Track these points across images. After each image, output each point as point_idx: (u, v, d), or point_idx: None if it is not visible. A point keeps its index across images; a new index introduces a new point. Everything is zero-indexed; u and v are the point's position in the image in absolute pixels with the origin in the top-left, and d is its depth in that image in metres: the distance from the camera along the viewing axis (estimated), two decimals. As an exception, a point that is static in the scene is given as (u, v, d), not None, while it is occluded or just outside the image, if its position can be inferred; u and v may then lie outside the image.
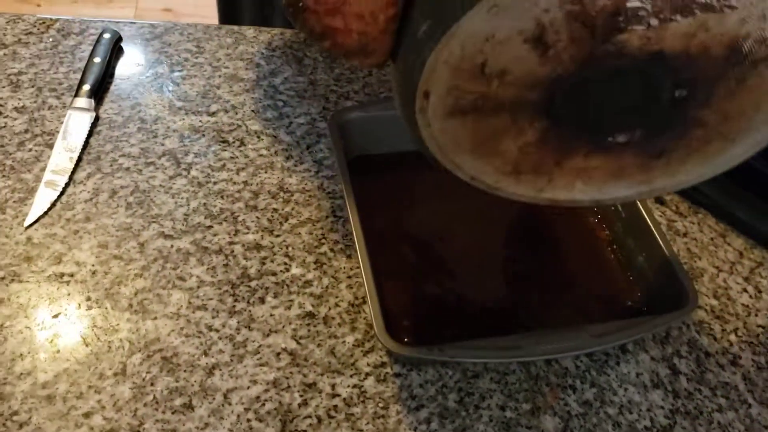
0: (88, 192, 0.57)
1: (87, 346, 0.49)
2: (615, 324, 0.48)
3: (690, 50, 0.34)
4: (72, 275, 0.52)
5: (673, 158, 0.41)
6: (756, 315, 0.56)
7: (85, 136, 0.60)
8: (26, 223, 0.54)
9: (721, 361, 0.53)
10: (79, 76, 0.65)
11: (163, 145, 0.61)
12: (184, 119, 0.63)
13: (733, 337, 0.54)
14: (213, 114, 0.64)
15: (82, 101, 0.62)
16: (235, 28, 0.72)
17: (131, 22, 0.72)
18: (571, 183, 0.42)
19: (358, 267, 0.52)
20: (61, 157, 0.59)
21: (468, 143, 0.39)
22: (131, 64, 0.68)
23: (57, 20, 0.71)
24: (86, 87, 0.63)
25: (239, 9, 0.82)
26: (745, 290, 0.57)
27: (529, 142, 0.38)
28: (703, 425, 0.49)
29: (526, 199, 0.43)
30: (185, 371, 0.48)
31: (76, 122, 0.61)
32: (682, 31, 0.33)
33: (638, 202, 0.54)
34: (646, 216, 0.53)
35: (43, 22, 0.71)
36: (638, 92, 0.36)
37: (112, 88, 0.65)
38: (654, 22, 0.32)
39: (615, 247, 0.56)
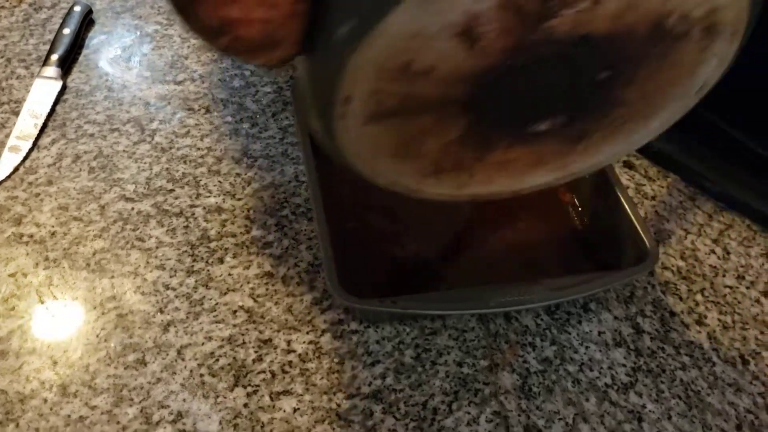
0: (52, 157, 0.57)
1: (42, 303, 0.49)
2: (573, 278, 0.47)
3: (617, 31, 0.32)
4: (31, 236, 0.52)
5: (593, 141, 0.40)
6: (724, 276, 0.55)
7: (51, 103, 0.60)
8: (-13, 187, 0.54)
9: (686, 321, 0.52)
10: (48, 47, 0.65)
11: (128, 112, 0.61)
12: (150, 88, 0.63)
13: (699, 297, 0.54)
14: (180, 83, 0.64)
15: (50, 70, 0.62)
16: (207, 1, 0.72)
17: (103, -3, 0.72)
18: (491, 177, 0.40)
19: (317, 226, 0.51)
20: (26, 124, 0.59)
21: (389, 147, 0.37)
22: (101, 36, 0.68)
23: (29, -5, 0.71)
24: (54, 57, 0.63)
25: None
26: (713, 251, 0.57)
27: (452, 140, 0.36)
28: (665, 382, 0.49)
29: (447, 197, 0.41)
30: (140, 328, 0.48)
31: (43, 90, 0.61)
32: (611, 11, 0.31)
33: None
34: (609, 175, 0.53)
35: (15, -3, 0.71)
36: (562, 78, 0.34)
37: (81, 58, 0.65)
38: (585, 4, 0.31)
39: (580, 208, 0.56)
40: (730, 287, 0.55)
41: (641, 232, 0.50)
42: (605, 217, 0.53)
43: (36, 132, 0.58)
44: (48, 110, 0.60)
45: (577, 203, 0.56)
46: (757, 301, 0.54)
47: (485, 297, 0.45)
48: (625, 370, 0.49)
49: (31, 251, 0.51)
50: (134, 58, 0.66)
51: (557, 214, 0.56)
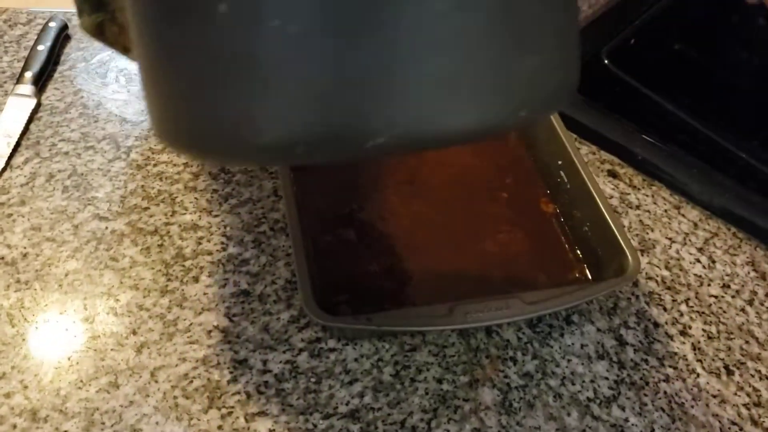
0: (25, 176, 0.56)
1: (13, 326, 0.48)
2: (551, 291, 0.47)
3: None
4: (2, 258, 0.51)
5: None
6: (709, 285, 0.55)
7: (25, 122, 0.60)
8: (-42, 208, 0.53)
9: (670, 332, 0.52)
10: (23, 64, 0.64)
11: (104, 129, 0.60)
12: (127, 104, 0.63)
13: (683, 307, 0.53)
14: (156, 98, 0.63)
15: (24, 88, 0.62)
16: (184, 14, 0.71)
17: (80, 12, 0.71)
18: None
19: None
20: (-1, 143, 0.58)
21: None
22: (77, 52, 0.67)
23: (5, 10, 0.70)
24: (28, 74, 0.62)
25: None
26: (698, 260, 0.56)
27: None
28: (648, 395, 0.48)
29: None
30: (112, 350, 0.47)
31: (16, 108, 0.60)
32: None
33: (582, 172, 0.53)
34: (590, 185, 0.52)
35: (-10, 14, 0.70)
36: None
37: (56, 75, 0.65)
38: None
39: (562, 219, 0.55)
40: (715, 296, 0.54)
41: (622, 244, 0.49)
42: (587, 229, 0.53)
43: (9, 151, 0.57)
44: (21, 128, 0.59)
45: (559, 214, 0.55)
46: (743, 310, 0.53)
47: (463, 312, 0.44)
48: (608, 383, 0.48)
49: (2, 273, 0.50)
50: (110, 73, 0.65)
51: (539, 226, 0.55)
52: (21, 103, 0.61)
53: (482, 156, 0.59)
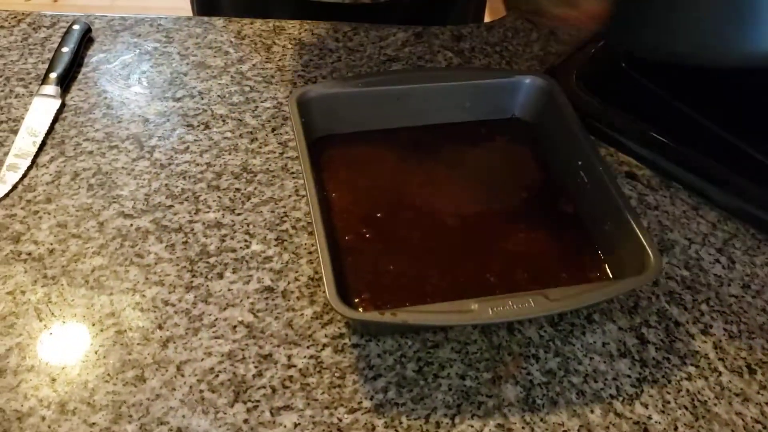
0: (51, 175, 0.57)
1: (41, 321, 0.48)
2: (574, 288, 0.47)
3: None
4: (29, 254, 0.52)
5: None
6: (729, 285, 0.55)
7: (50, 121, 0.60)
8: (-14, 205, 0.54)
9: (692, 331, 0.52)
10: (47, 66, 0.65)
11: (127, 129, 0.61)
12: (149, 105, 0.63)
13: (704, 307, 0.53)
14: (179, 99, 0.64)
15: (49, 89, 0.63)
16: (205, 18, 0.72)
17: (103, 15, 0.72)
18: None
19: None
20: (25, 142, 0.59)
21: None
22: (100, 54, 0.68)
23: (29, 14, 0.71)
24: (53, 75, 0.63)
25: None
26: (717, 261, 0.56)
27: None
28: (671, 393, 0.48)
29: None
30: (139, 344, 0.47)
31: (42, 109, 0.61)
32: None
33: (602, 172, 0.53)
34: (610, 185, 0.52)
35: (15, 17, 0.71)
36: None
37: (80, 76, 0.66)
38: None
39: (582, 219, 0.55)
40: (736, 296, 0.54)
41: (644, 242, 0.49)
42: (608, 228, 0.53)
43: (34, 150, 0.58)
44: (46, 128, 0.60)
45: (579, 214, 0.56)
46: (763, 310, 0.53)
47: (486, 308, 0.45)
48: (630, 381, 0.48)
49: (29, 269, 0.51)
50: (133, 75, 0.66)
51: (559, 226, 0.55)
52: (46, 103, 0.62)
53: (500, 157, 0.60)
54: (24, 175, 0.57)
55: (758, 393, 0.48)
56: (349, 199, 0.55)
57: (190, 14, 0.74)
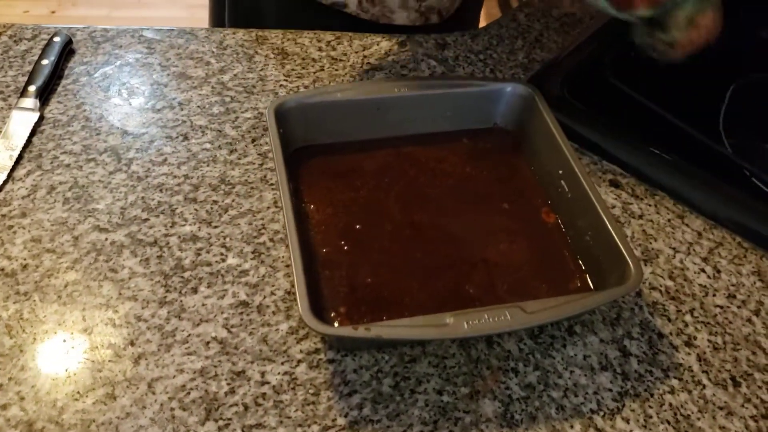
0: (26, 189, 0.57)
1: (11, 338, 0.48)
2: (552, 300, 0.46)
3: None
4: (2, 269, 0.51)
5: None
6: (714, 295, 0.54)
7: (27, 135, 0.60)
8: (-41, 220, 0.53)
9: (675, 342, 0.51)
10: (26, 79, 0.65)
11: (105, 141, 0.61)
12: (128, 117, 0.63)
13: (688, 318, 0.52)
14: (158, 111, 0.63)
15: (27, 101, 0.62)
16: (187, 29, 0.72)
17: (85, 27, 0.72)
18: None
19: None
20: (1, 156, 0.58)
21: None
22: (81, 66, 0.68)
23: (10, 27, 0.71)
24: (32, 88, 0.63)
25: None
26: (702, 270, 0.55)
27: None
28: (653, 407, 0.47)
29: None
30: (110, 361, 0.47)
31: (19, 122, 0.61)
32: None
33: (583, 181, 0.52)
34: (591, 194, 0.51)
35: (-5, 29, 0.71)
36: None
37: (59, 89, 0.65)
38: None
39: (563, 229, 0.55)
40: (721, 307, 0.53)
41: (624, 252, 0.48)
42: (588, 238, 0.52)
43: (11, 163, 0.58)
44: (24, 141, 0.59)
45: (560, 224, 0.55)
46: (749, 320, 0.52)
47: (462, 322, 0.44)
48: (612, 395, 0.47)
49: (1, 285, 0.50)
50: (113, 87, 0.65)
51: (540, 236, 0.55)
52: (24, 116, 0.61)
53: (482, 166, 0.59)
54: (0, 189, 0.56)
55: (742, 406, 0.47)
56: (328, 211, 0.55)
57: (186, 26, 0.72)
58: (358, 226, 0.54)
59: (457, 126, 0.61)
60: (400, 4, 0.72)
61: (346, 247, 0.53)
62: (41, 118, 0.62)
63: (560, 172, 0.55)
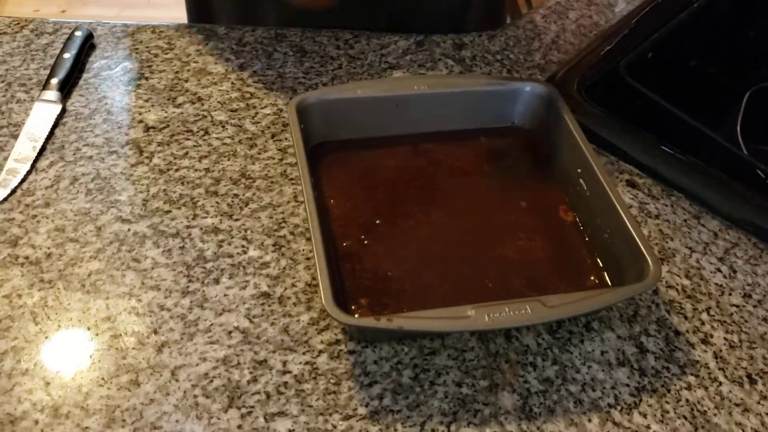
0: (50, 179, 0.57)
1: (36, 324, 0.48)
2: (572, 295, 0.46)
3: None
4: (27, 258, 0.52)
5: None
6: (730, 294, 0.54)
7: (50, 126, 0.61)
8: (-15, 209, 0.54)
9: (692, 340, 0.51)
10: (49, 71, 0.65)
11: (127, 135, 0.61)
12: (149, 111, 0.63)
13: (705, 316, 0.53)
14: (179, 105, 0.64)
15: (50, 94, 0.63)
16: (207, 26, 0.73)
17: (105, 22, 0.72)
18: None
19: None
20: (24, 146, 0.59)
21: None
22: (102, 60, 0.68)
23: (32, 21, 0.72)
24: (54, 81, 0.63)
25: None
26: (719, 270, 0.56)
27: None
28: (670, 403, 0.47)
29: None
30: (134, 349, 0.47)
31: (42, 114, 0.61)
32: None
33: (602, 179, 0.53)
34: (610, 193, 0.52)
35: (18, 23, 0.71)
36: None
37: (81, 82, 0.66)
38: None
39: (581, 227, 0.55)
40: (737, 306, 0.54)
41: (643, 250, 0.49)
42: (607, 236, 0.52)
43: (34, 155, 0.58)
44: (47, 133, 0.60)
45: (578, 222, 0.55)
46: (765, 320, 0.53)
47: (482, 315, 0.44)
48: (629, 390, 0.48)
49: (26, 272, 0.51)
50: (134, 81, 0.66)
51: (558, 234, 0.55)
52: (47, 108, 0.62)
53: (499, 165, 0.60)
54: (23, 180, 0.57)
55: (759, 403, 0.48)
56: (348, 205, 0.55)
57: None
58: (377, 221, 0.54)
59: (476, 124, 0.61)
60: None
61: (366, 241, 0.53)
62: (63, 110, 0.63)
63: (579, 170, 0.55)
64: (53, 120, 0.61)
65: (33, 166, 0.58)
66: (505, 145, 0.61)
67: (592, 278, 0.52)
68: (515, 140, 0.61)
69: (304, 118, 0.56)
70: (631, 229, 0.50)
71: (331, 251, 0.51)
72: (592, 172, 0.54)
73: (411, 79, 0.65)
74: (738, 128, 0.66)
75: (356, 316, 0.48)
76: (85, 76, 0.66)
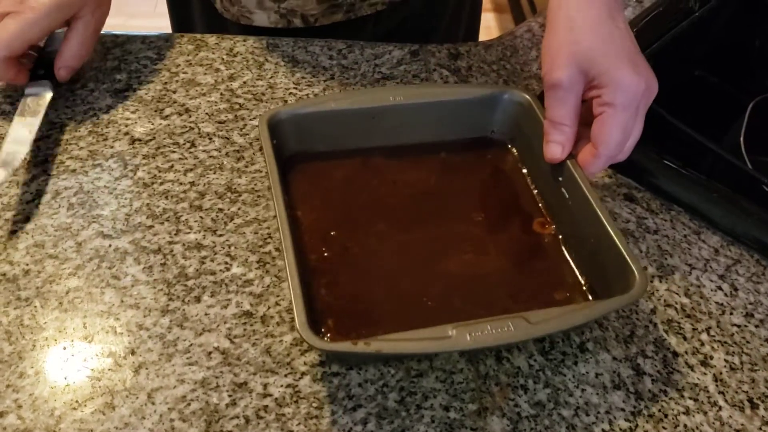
0: (31, 193, 0.56)
1: (10, 344, 0.47)
2: (556, 310, 0.44)
3: None
4: (3, 274, 0.50)
5: None
6: (731, 313, 0.52)
7: (44, 111, 0.59)
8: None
9: (691, 362, 0.49)
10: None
11: (112, 147, 0.60)
12: (136, 123, 0.62)
13: (704, 337, 0.51)
14: (166, 117, 0.63)
15: (38, 82, 0.61)
16: (198, 36, 0.71)
17: (95, 33, 0.71)
18: None
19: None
20: (21, 131, 0.57)
21: None
22: (89, 72, 0.67)
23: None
24: (41, 71, 0.62)
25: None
26: (719, 288, 0.54)
27: None
28: (667, 428, 0.46)
29: None
30: (110, 370, 0.46)
31: (33, 100, 0.60)
32: None
33: (583, 187, 0.51)
34: (592, 201, 0.50)
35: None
36: None
37: (68, 93, 0.64)
38: None
39: (563, 239, 0.53)
40: (738, 326, 0.52)
41: (628, 260, 0.46)
42: (590, 246, 0.50)
43: (31, 137, 0.57)
44: (41, 117, 0.59)
45: (561, 233, 0.53)
46: (767, 340, 0.51)
47: (464, 334, 0.42)
48: (624, 415, 0.46)
49: (2, 290, 0.49)
50: (122, 92, 0.65)
51: (540, 245, 0.53)
52: (37, 92, 0.61)
53: (481, 175, 0.58)
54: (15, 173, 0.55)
55: (760, 429, 0.46)
56: (321, 220, 0.53)
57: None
58: (352, 236, 0.52)
59: (454, 134, 0.59)
60: (256, 4, 0.71)
61: (340, 257, 0.51)
62: (49, 122, 0.61)
63: (560, 179, 0.53)
64: (46, 105, 0.60)
65: (15, 179, 0.57)
66: (486, 154, 0.59)
67: (578, 292, 0.50)
68: (495, 149, 0.60)
69: (277, 133, 0.54)
70: (615, 238, 0.48)
71: (305, 270, 0.49)
72: (574, 181, 0.52)
73: (386, 90, 0.63)
74: (741, 140, 0.64)
75: (327, 337, 0.46)
76: (72, 86, 0.65)
